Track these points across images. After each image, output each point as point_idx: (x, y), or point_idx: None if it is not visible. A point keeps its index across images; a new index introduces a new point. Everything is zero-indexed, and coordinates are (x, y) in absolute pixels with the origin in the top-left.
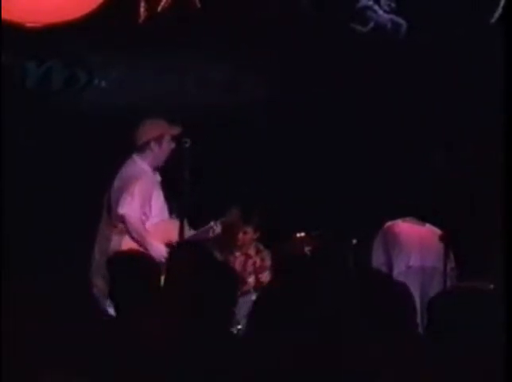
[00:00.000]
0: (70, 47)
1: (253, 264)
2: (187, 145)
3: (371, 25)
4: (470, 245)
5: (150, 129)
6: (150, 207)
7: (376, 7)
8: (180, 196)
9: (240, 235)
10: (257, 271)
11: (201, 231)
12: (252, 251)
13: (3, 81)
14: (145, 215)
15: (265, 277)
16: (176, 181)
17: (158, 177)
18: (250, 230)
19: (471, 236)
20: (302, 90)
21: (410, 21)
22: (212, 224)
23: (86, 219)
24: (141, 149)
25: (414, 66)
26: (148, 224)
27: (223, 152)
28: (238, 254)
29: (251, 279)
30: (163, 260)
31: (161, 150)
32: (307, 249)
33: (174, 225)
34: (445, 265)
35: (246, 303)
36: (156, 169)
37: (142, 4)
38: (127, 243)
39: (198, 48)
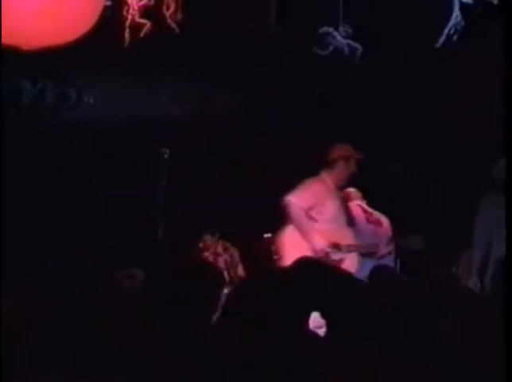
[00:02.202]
0: (61, 68)
1: (224, 261)
2: (166, 155)
3: (331, 48)
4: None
5: (340, 149)
6: (322, 212)
7: (335, 33)
8: None
9: (201, 245)
10: (228, 267)
11: (367, 245)
12: (220, 250)
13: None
14: (319, 213)
15: (237, 272)
16: None
17: (341, 194)
18: (208, 237)
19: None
20: (270, 105)
21: (365, 46)
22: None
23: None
24: (329, 165)
25: (368, 86)
26: (317, 226)
27: (197, 163)
28: (207, 254)
29: (224, 275)
30: (321, 254)
31: (346, 169)
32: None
33: (344, 233)
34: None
35: None
36: (339, 187)
37: (127, 30)
38: (289, 232)
39: (173, 68)
